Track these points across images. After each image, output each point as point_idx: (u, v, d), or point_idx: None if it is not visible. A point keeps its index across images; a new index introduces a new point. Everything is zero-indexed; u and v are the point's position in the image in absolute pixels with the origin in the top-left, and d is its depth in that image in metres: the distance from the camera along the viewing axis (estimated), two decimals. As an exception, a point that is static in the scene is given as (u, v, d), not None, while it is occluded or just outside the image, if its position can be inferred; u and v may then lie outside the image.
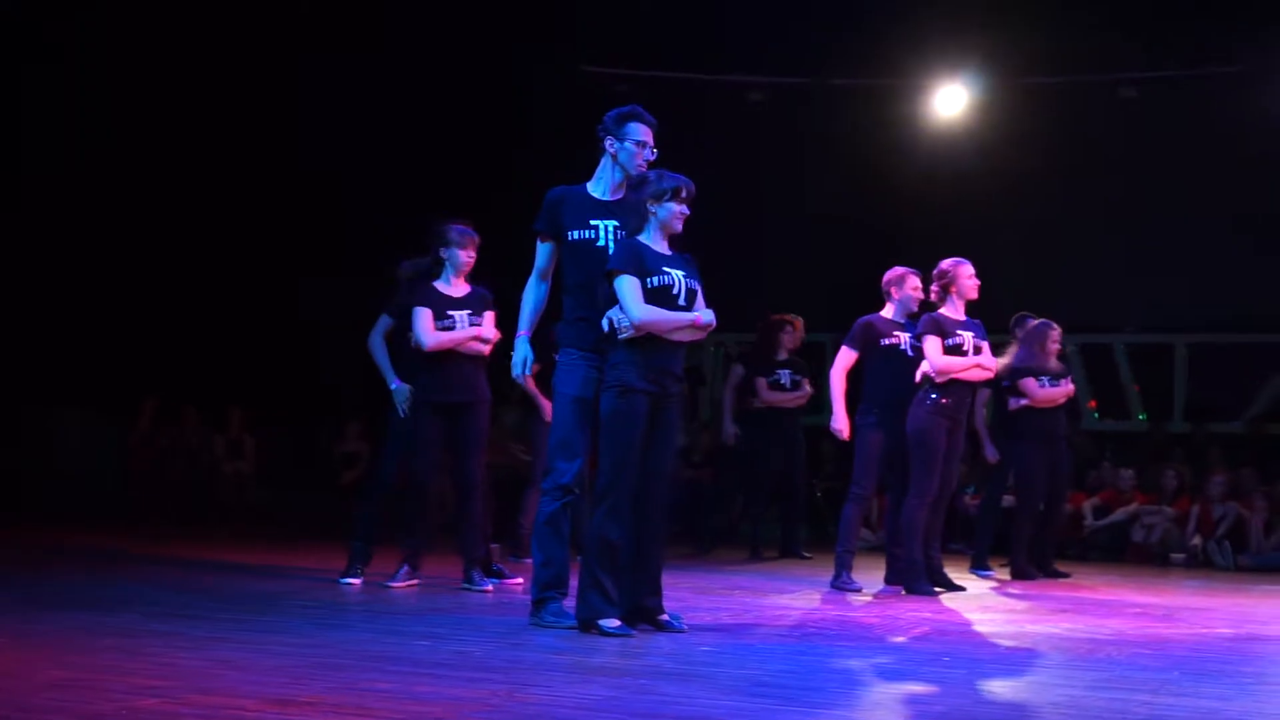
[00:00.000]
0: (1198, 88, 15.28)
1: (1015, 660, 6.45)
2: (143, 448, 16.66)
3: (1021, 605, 8.89)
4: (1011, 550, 10.96)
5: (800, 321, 12.42)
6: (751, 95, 16.46)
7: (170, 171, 17.04)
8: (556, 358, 6.98)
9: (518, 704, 4.83)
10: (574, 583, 6.79)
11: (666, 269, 6.66)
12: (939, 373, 9.11)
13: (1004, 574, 10.90)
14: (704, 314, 6.69)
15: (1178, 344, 16.73)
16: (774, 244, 16.68)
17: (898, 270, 9.71)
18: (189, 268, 17.22)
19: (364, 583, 8.61)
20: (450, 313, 8.56)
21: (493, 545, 9.20)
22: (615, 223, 6.89)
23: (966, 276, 9.40)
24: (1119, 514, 13.45)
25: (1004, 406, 11.26)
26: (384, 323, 8.96)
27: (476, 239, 8.67)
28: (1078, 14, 15.11)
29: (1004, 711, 5.12)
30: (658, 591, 6.84)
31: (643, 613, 6.76)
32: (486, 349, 8.62)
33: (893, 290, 9.63)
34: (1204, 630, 7.87)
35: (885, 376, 9.42)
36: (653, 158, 6.98)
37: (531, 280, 7.10)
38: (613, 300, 6.59)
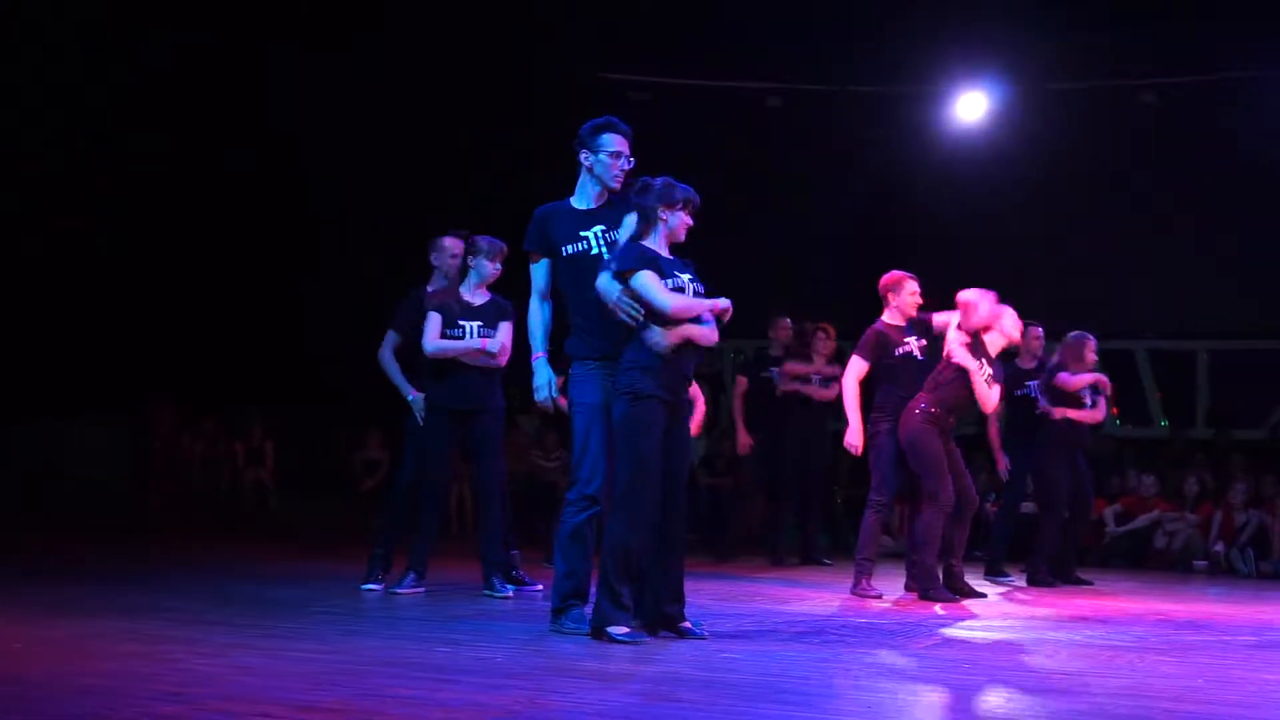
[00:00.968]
0: (1220, 93, 15.23)
1: (1036, 667, 6.43)
2: (161, 455, 16.69)
3: (1042, 612, 8.86)
4: (1030, 557, 10.93)
5: (833, 330, 12.41)
6: (769, 101, 16.45)
7: (190, 180, 17.09)
8: (570, 371, 6.99)
9: (540, 711, 4.83)
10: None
11: (676, 273, 6.69)
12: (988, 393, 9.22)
13: (1021, 580, 10.87)
14: (722, 300, 6.72)
15: (1200, 350, 16.68)
16: (791, 250, 16.66)
17: (895, 275, 9.69)
18: (207, 275, 17.27)
19: (385, 589, 8.62)
20: (462, 322, 8.61)
21: (514, 552, 9.20)
22: (602, 226, 6.95)
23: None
24: (1141, 520, 13.40)
25: (1019, 415, 11.18)
26: (391, 338, 8.97)
27: (504, 251, 8.69)
28: (1099, 19, 15.08)
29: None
30: (679, 598, 6.84)
31: (664, 620, 6.76)
32: (498, 361, 8.59)
33: (890, 295, 9.62)
34: (1227, 638, 7.84)
35: (898, 384, 9.41)
36: (629, 167, 6.99)
37: (533, 302, 7.11)
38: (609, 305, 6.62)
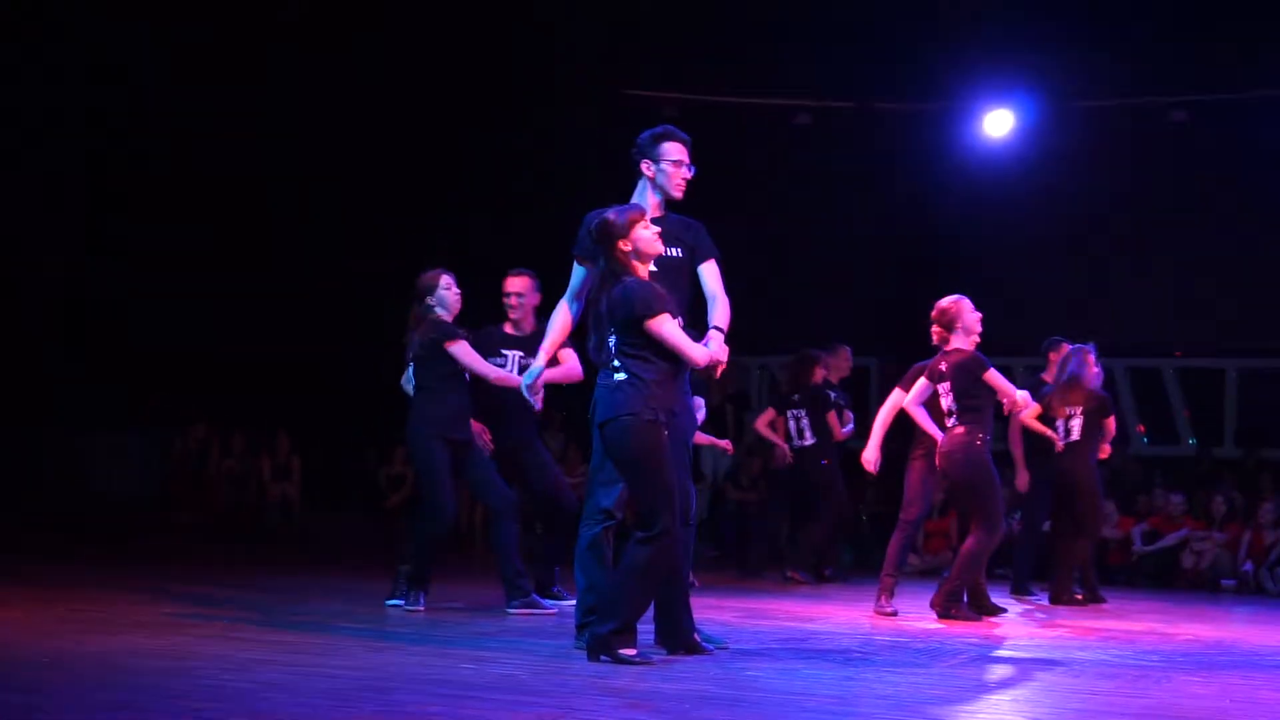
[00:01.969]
0: (1249, 111, 15.19)
1: (1061, 687, 6.40)
2: (190, 470, 16.74)
3: (1068, 631, 8.83)
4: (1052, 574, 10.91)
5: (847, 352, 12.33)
6: (797, 118, 16.46)
7: (224, 192, 17.18)
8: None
9: (564, 728, 4.83)
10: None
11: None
12: (1020, 403, 9.14)
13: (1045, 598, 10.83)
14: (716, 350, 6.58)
15: (1228, 369, 16.61)
16: (817, 266, 16.66)
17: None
18: (239, 289, 17.34)
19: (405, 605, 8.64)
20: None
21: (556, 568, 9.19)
22: None
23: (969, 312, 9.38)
24: (1169, 539, 13.34)
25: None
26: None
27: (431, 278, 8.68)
28: (1128, 37, 15.05)
29: (1053, 739, 5.09)
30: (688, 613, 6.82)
31: (679, 635, 6.72)
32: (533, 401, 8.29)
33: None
34: (1255, 658, 7.80)
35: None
36: (691, 175, 6.92)
37: (563, 300, 7.07)
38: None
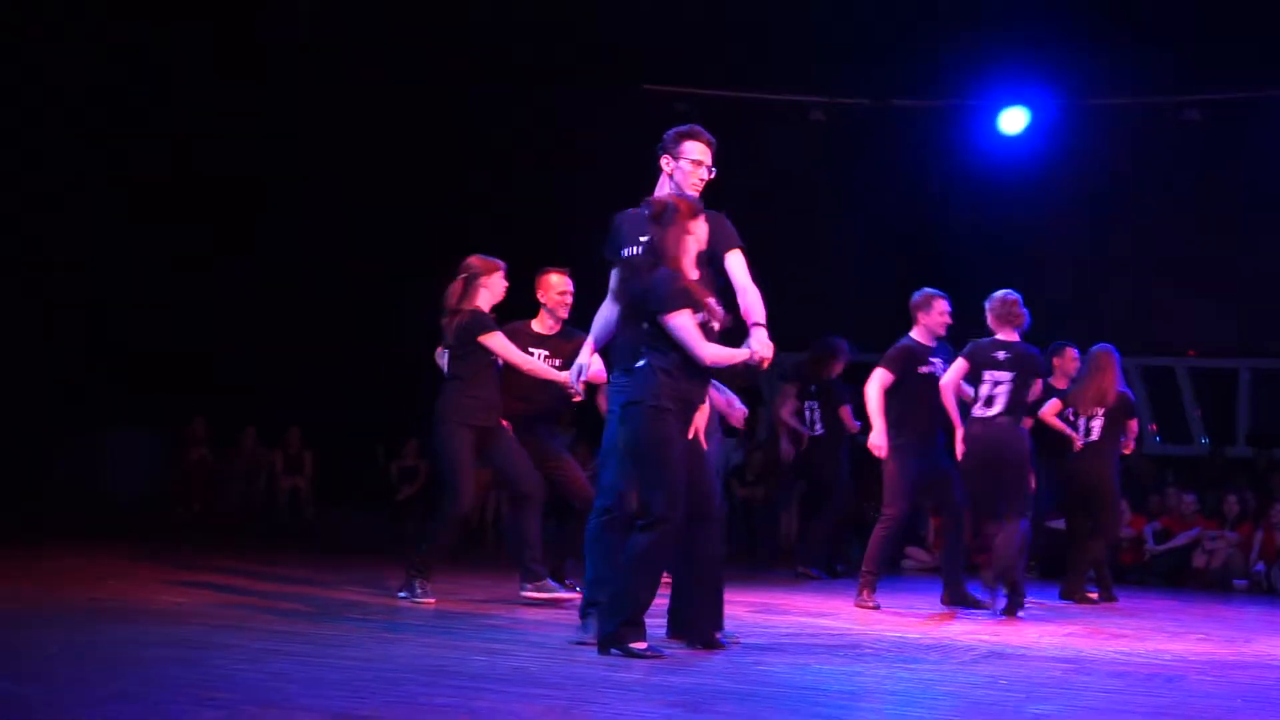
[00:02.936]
0: (1262, 110, 15.16)
1: (1072, 685, 6.39)
2: (199, 467, 16.77)
3: (1079, 629, 8.82)
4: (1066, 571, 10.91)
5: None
6: (813, 114, 16.45)
7: (233, 185, 17.20)
8: (610, 377, 6.99)
9: (574, 720, 4.84)
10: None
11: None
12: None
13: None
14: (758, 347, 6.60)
15: (1241, 368, 16.58)
16: (831, 263, 16.66)
17: (925, 293, 9.67)
18: (245, 284, 17.35)
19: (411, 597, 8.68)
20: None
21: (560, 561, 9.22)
22: None
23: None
24: (1180, 539, 13.33)
25: (1048, 431, 11.00)
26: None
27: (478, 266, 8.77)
28: (1142, 36, 15.02)
29: (1063, 736, 5.09)
30: (717, 613, 6.83)
31: (698, 632, 6.73)
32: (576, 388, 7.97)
33: (919, 314, 9.61)
34: (1267, 658, 7.78)
35: (917, 403, 9.41)
36: (710, 176, 6.95)
37: (605, 303, 7.07)
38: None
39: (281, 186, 17.18)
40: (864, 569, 9.51)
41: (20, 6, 15.20)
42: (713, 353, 6.51)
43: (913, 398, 9.47)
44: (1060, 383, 11.08)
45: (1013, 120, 15.78)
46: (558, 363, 8.77)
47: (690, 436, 6.60)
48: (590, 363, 7.16)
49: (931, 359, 9.56)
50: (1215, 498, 13.78)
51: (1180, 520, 13.45)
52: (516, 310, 9.03)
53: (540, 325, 9.09)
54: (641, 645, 6.34)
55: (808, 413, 12.18)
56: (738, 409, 7.34)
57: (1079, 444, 10.67)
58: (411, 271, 14.95)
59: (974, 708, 5.69)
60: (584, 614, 6.85)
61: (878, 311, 14.99)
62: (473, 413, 8.59)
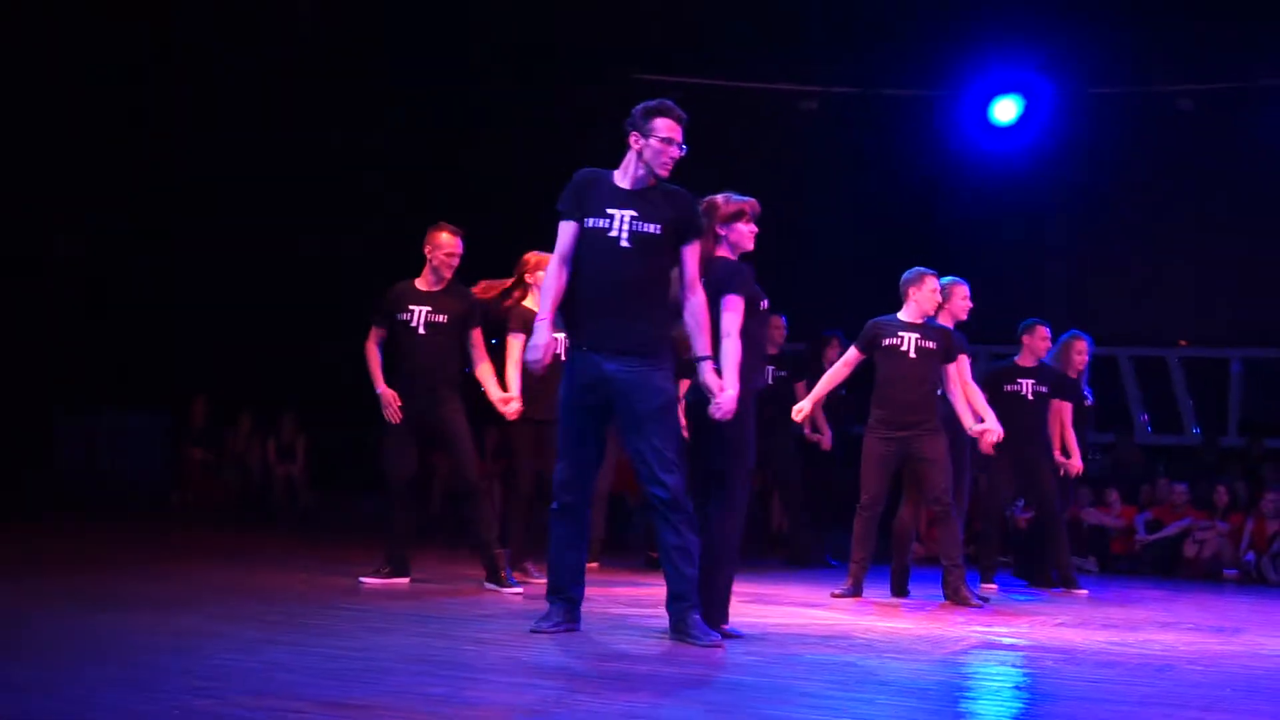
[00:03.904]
0: (1256, 100, 15.17)
1: (1064, 675, 6.41)
2: (193, 449, 16.75)
3: (1070, 619, 8.84)
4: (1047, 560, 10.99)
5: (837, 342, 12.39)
6: (804, 104, 16.44)
7: (231, 173, 17.18)
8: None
9: (567, 711, 4.85)
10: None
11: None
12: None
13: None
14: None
15: (1233, 358, 16.61)
16: (824, 253, 16.65)
17: (917, 270, 9.54)
18: (246, 269, 17.34)
19: (410, 583, 8.71)
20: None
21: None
22: (634, 213, 6.55)
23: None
24: (1171, 529, 13.35)
25: (1013, 417, 10.85)
26: (375, 334, 8.99)
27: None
28: (1136, 24, 15.03)
29: (1053, 726, 5.11)
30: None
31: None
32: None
33: (911, 290, 9.42)
34: (1257, 647, 7.81)
35: (893, 382, 9.32)
36: (680, 154, 6.64)
37: (553, 265, 6.68)
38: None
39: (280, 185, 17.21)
40: (851, 559, 9.50)
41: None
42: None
43: (886, 384, 9.35)
44: (1027, 360, 10.90)
45: (1005, 110, 15.79)
46: (442, 318, 8.67)
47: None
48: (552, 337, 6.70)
49: (899, 332, 9.32)
50: (1206, 488, 13.80)
51: (1171, 510, 13.48)
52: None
53: (423, 283, 8.79)
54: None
55: None
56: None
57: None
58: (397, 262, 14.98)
59: (964, 698, 5.71)
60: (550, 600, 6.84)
61: (868, 301, 15.00)
62: (530, 406, 8.90)
